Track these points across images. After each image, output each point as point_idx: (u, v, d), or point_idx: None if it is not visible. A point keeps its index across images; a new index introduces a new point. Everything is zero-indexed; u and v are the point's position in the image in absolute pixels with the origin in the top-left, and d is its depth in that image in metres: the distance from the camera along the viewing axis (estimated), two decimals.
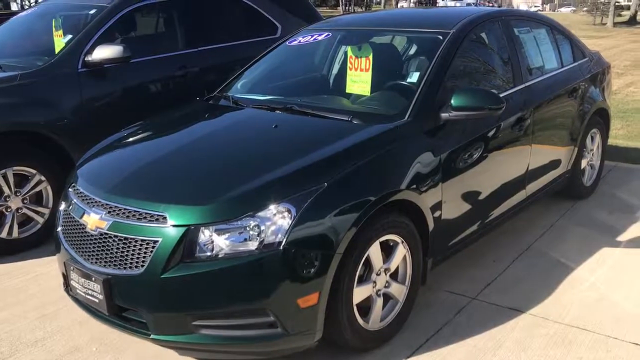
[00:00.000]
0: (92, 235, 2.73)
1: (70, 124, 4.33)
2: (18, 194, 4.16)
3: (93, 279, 2.68)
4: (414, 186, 2.98)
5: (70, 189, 3.07)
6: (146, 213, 2.62)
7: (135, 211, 2.65)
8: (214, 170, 2.87)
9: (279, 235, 2.52)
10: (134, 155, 3.20)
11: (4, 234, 4.12)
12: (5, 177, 4.09)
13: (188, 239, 2.53)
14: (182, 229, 2.53)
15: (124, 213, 2.67)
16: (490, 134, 3.55)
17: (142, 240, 2.58)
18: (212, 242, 2.53)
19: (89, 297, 2.76)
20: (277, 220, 2.54)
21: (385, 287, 2.96)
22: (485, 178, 3.56)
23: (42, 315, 3.36)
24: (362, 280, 2.84)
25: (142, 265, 2.56)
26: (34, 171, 4.20)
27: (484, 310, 3.31)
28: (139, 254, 2.58)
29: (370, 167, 2.85)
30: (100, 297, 2.67)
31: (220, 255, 2.51)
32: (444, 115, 3.22)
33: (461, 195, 3.35)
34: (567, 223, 4.46)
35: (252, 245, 2.52)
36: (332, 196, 2.66)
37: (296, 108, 3.39)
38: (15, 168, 4.13)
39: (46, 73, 4.34)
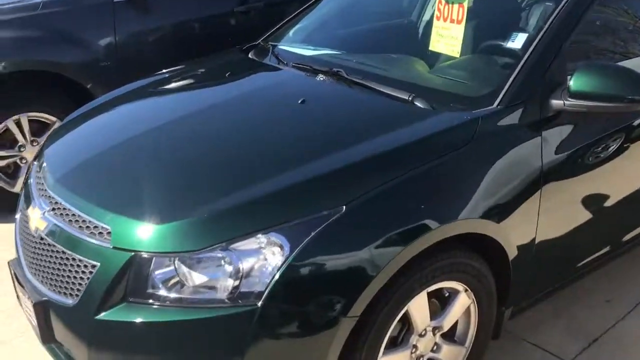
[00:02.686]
0: (33, 237, 2.03)
1: (98, 65, 3.64)
2: (35, 144, 3.58)
3: (27, 296, 1.99)
4: (492, 213, 1.98)
5: (35, 163, 2.37)
6: (90, 221, 1.85)
7: (78, 215, 1.89)
8: (192, 168, 1.98)
9: (261, 282, 1.67)
10: (108, 128, 2.37)
11: (17, 189, 3.58)
12: (19, 123, 3.51)
13: (134, 270, 1.74)
14: (126, 255, 1.74)
15: (67, 215, 1.92)
16: (621, 132, 2.40)
17: (80, 261, 1.82)
18: (168, 278, 1.73)
19: (27, 314, 2.09)
20: (261, 259, 1.68)
21: (432, 351, 2.05)
22: (605, 198, 2.44)
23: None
24: (396, 343, 1.94)
25: (77, 295, 1.82)
26: (53, 118, 3.58)
27: None
28: (74, 278, 1.84)
29: (422, 184, 1.87)
30: (34, 321, 1.98)
31: (172, 302, 1.71)
32: (557, 102, 2.14)
33: (564, 227, 2.28)
34: None
35: (221, 292, 1.69)
36: (351, 227, 1.74)
37: (343, 74, 2.43)
38: (30, 114, 3.52)
39: (73, 2, 3.63)
